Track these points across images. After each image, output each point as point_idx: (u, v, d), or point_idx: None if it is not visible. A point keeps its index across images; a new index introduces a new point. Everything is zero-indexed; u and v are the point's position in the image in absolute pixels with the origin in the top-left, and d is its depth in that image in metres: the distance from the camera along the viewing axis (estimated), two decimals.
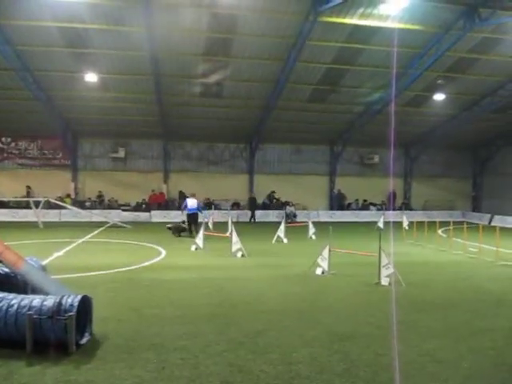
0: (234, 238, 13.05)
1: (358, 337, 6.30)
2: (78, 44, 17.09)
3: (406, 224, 20.31)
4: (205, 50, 17.64)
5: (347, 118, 24.66)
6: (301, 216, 25.55)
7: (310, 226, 17.97)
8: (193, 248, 14.13)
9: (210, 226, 19.03)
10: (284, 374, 5.10)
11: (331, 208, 28.36)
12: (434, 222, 18.14)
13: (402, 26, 16.01)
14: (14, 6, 14.74)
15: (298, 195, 27.05)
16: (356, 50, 17.86)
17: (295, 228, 19.25)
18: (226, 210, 24.66)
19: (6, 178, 25.70)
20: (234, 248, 13.00)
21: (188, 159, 27.23)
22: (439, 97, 22.26)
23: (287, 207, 25.67)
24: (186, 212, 17.74)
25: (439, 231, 17.54)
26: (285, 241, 16.43)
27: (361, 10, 15.27)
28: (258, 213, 25.99)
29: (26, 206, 22.51)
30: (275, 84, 20.08)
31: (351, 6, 14.94)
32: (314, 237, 17.52)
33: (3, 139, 26.02)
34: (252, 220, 24.93)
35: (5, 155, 26.18)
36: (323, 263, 10.57)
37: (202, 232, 14.22)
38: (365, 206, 28.68)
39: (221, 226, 18.83)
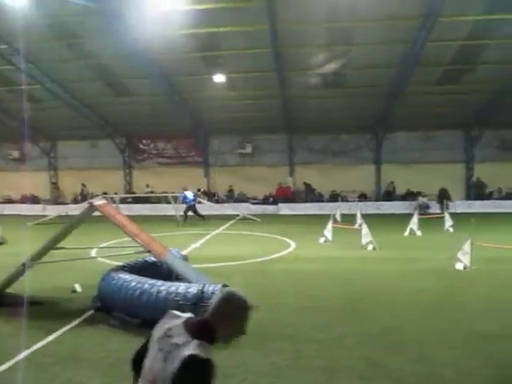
0: (364, 230, 12.72)
1: (505, 338, 5.70)
2: (207, 47, 18.07)
3: None
4: (326, 40, 17.38)
5: (484, 98, 22.33)
6: (435, 207, 23.92)
7: (447, 217, 16.76)
8: (321, 240, 14.09)
9: (338, 218, 18.78)
10: (422, 373, 4.85)
11: (468, 198, 26.09)
12: None
13: None
14: (150, 20, 15.91)
15: (430, 185, 25.32)
16: (498, 20, 16.00)
17: (429, 220, 18.11)
18: (354, 201, 24.09)
19: (147, 175, 28.31)
20: (365, 240, 12.67)
21: (312, 152, 27.17)
22: None
23: (419, 198, 24.20)
24: (187, 204, 20.66)
25: None
26: (418, 233, 15.55)
27: None
28: (386, 204, 25.00)
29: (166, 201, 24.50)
30: (401, 68, 18.99)
31: None
32: (451, 229, 16.27)
33: (144, 141, 28.69)
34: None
35: (145, 155, 28.88)
36: (464, 258, 9.78)
37: (330, 224, 14.11)
38: (509, 195, 25.82)
39: (348, 218, 18.49)
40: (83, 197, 28.12)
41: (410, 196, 25.54)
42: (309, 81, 20.60)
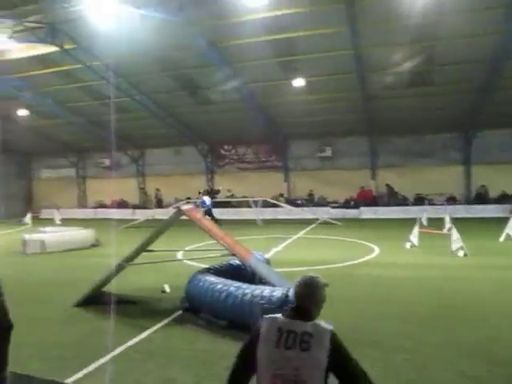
0: (455, 235, 12.00)
1: None
2: (285, 53, 18.16)
3: None
4: (410, 37, 16.71)
5: None
6: None
7: None
8: (407, 245, 13.50)
9: (424, 222, 17.91)
10: None
11: None
12: None
13: None
14: (231, 30, 16.47)
15: None
16: None
17: None
18: (442, 205, 22.87)
19: (228, 180, 29.03)
20: (455, 246, 11.94)
21: (395, 154, 26.19)
22: None
23: None
24: (205, 208, 20.99)
25: None
26: None
27: None
28: (477, 207, 23.38)
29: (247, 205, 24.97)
30: (491, 62, 17.74)
31: None
32: None
33: (225, 147, 29.45)
34: None
35: (226, 161, 29.61)
36: None
37: (416, 229, 13.49)
38: None
39: (435, 223, 17.58)
40: (158, 200, 29.65)
41: (505, 199, 23.71)
42: (391, 80, 19.91)
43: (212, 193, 24.44)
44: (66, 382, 4.94)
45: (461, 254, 11.78)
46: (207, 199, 21.98)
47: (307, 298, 2.55)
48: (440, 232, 14.89)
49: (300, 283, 2.62)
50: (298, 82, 19.96)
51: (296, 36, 16.76)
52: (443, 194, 24.89)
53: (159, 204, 29.45)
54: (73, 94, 22.82)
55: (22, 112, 24.76)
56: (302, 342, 2.35)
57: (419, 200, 24.73)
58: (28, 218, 25.53)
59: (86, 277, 9.38)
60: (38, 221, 26.36)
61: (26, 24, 16.08)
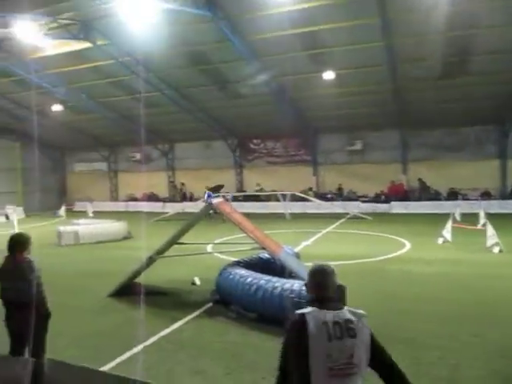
0: (490, 230, 11.65)
1: None
2: (314, 45, 17.95)
3: None
4: (445, 26, 16.19)
5: None
6: None
7: None
8: (440, 241, 13.19)
9: (458, 217, 17.48)
10: None
11: None
12: None
13: None
14: (259, 23, 16.37)
15: None
16: None
17: None
18: (477, 200, 22.28)
19: (257, 174, 29.05)
20: (490, 242, 11.61)
21: (427, 147, 25.58)
22: None
23: None
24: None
25: None
26: None
27: None
28: (510, 203, 22.69)
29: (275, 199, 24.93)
30: None
31: None
32: None
33: (254, 141, 29.43)
34: None
35: (256, 155, 29.59)
36: None
37: (449, 224, 13.17)
38: None
39: (469, 218, 17.14)
40: (183, 195, 29.99)
41: None
42: (422, 72, 19.43)
43: (217, 188, 24.71)
44: (100, 369, 5.06)
45: (496, 250, 11.45)
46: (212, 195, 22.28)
47: (326, 286, 2.54)
48: (474, 227, 14.50)
49: (315, 273, 2.60)
50: (328, 75, 19.70)
51: (324, 28, 16.51)
52: (477, 189, 24.21)
53: (184, 198, 29.71)
54: (105, 89, 23.23)
55: (56, 107, 25.35)
56: (348, 330, 2.39)
57: (452, 195, 24.14)
58: (62, 211, 26.27)
59: (118, 268, 9.58)
60: (72, 213, 27.06)
61: (60, 21, 16.47)
